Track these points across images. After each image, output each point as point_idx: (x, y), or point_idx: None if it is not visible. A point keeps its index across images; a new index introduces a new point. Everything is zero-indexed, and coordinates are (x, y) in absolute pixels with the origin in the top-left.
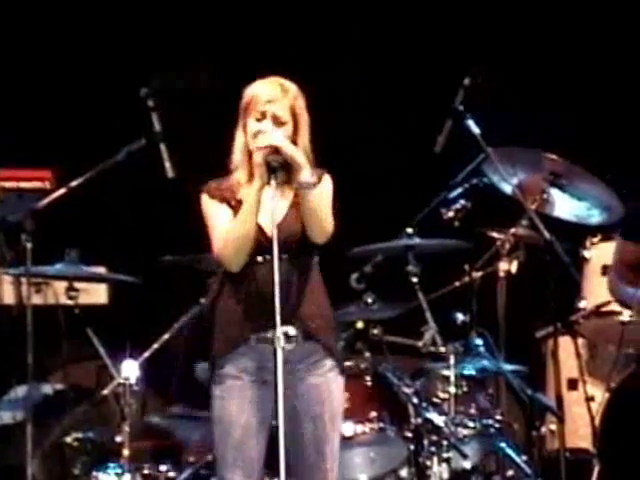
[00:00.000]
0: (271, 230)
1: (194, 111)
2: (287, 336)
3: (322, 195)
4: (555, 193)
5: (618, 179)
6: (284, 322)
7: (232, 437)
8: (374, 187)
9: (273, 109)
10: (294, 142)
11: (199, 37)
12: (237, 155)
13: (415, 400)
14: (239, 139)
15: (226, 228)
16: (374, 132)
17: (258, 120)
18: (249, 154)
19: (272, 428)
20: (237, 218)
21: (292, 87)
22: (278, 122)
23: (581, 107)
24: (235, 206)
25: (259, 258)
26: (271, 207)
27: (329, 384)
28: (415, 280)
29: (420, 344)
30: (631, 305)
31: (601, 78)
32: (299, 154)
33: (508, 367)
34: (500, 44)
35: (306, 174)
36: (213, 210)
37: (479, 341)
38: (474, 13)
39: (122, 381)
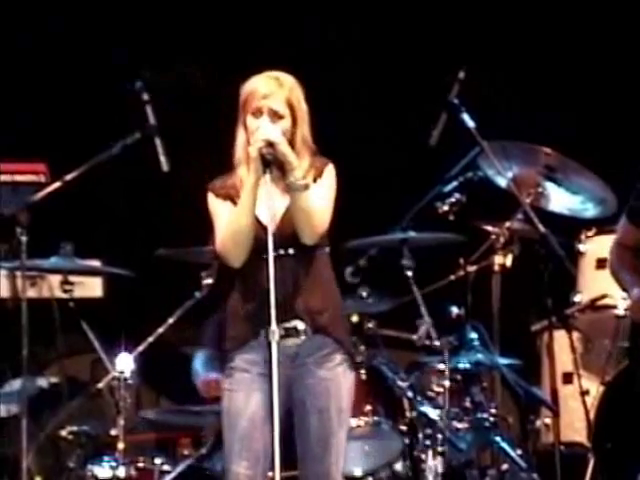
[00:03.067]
0: (271, 226)
1: (189, 106)
2: (296, 330)
3: (318, 194)
4: (550, 187)
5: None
6: (293, 317)
7: (238, 429)
8: (369, 181)
9: (269, 104)
10: (293, 134)
11: (195, 33)
12: (239, 152)
13: (410, 394)
14: (240, 136)
15: (225, 223)
16: (369, 127)
17: (255, 116)
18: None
19: (283, 422)
20: (234, 212)
21: (288, 79)
22: (275, 116)
23: (581, 107)
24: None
25: (263, 255)
26: (267, 201)
27: (338, 378)
28: (410, 274)
29: (415, 338)
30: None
31: (601, 78)
32: (292, 155)
33: (503, 361)
34: (499, 43)
35: (297, 175)
36: (217, 209)
37: (474, 335)
38: (473, 12)
39: (117, 374)
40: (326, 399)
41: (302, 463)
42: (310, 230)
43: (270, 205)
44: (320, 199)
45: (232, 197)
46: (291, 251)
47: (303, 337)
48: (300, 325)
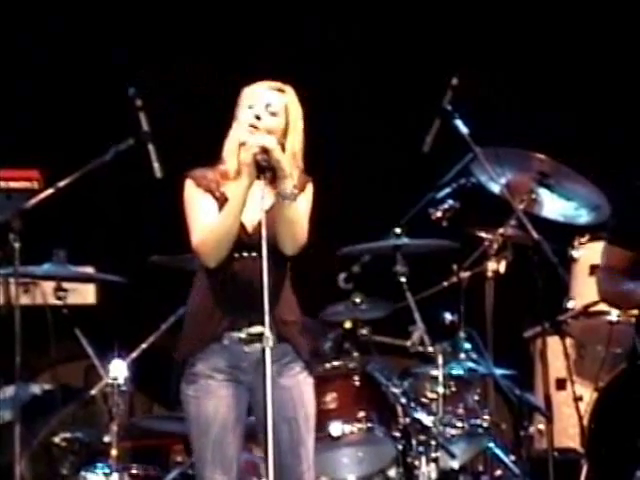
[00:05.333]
0: (252, 227)
1: (185, 109)
2: (260, 337)
3: (300, 208)
4: (543, 193)
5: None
6: (259, 323)
7: (210, 435)
8: (362, 187)
9: (267, 97)
10: (282, 144)
11: (194, 33)
12: (229, 148)
13: (403, 400)
14: (231, 133)
15: (209, 223)
16: (362, 132)
17: (250, 107)
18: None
19: (247, 427)
20: (222, 215)
21: (292, 91)
22: (269, 110)
23: (580, 107)
24: (219, 198)
25: (236, 254)
26: (260, 206)
27: (300, 386)
28: (403, 280)
29: (408, 344)
30: (633, 301)
31: (599, 79)
32: (286, 164)
33: (496, 368)
34: (498, 44)
35: (288, 185)
36: (197, 199)
37: (467, 341)
38: (472, 13)
39: (110, 381)
40: (293, 408)
41: (274, 474)
42: (292, 240)
43: (263, 210)
44: (302, 213)
45: (212, 191)
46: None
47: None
48: (266, 332)
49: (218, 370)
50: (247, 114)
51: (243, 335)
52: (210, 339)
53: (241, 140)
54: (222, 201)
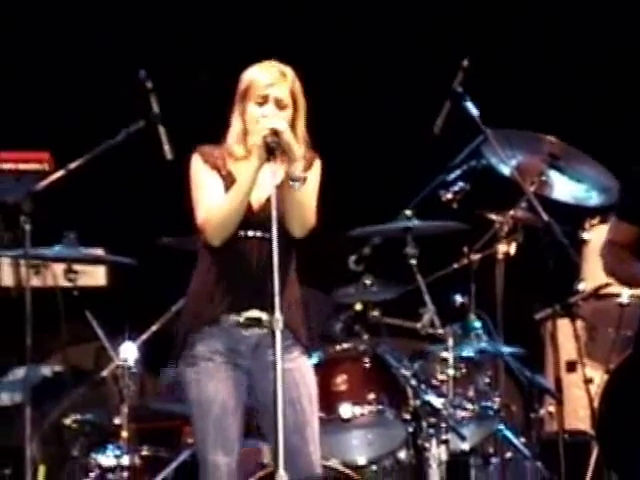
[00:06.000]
0: (258, 205)
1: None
2: (259, 321)
3: (308, 188)
4: (554, 175)
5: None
6: (258, 307)
7: (211, 417)
8: (373, 169)
9: (275, 92)
10: (292, 126)
11: (202, 18)
12: (234, 133)
13: (414, 382)
14: (236, 124)
15: (215, 201)
16: (373, 114)
17: (260, 104)
18: (245, 139)
19: (246, 413)
20: (230, 195)
21: (289, 71)
22: (280, 105)
23: (591, 87)
24: (225, 176)
25: (241, 233)
26: (271, 187)
27: (301, 368)
28: (413, 262)
29: (419, 326)
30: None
31: (613, 59)
32: (296, 146)
33: (507, 349)
34: (506, 30)
35: (298, 167)
36: (203, 176)
37: (478, 323)
38: None
39: (121, 363)
40: (296, 389)
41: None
42: (302, 223)
43: (273, 190)
44: (311, 193)
45: (219, 168)
46: (267, 236)
47: (265, 329)
48: (264, 316)
49: (217, 352)
50: (257, 113)
51: (241, 319)
52: (209, 319)
53: (254, 140)
54: (228, 180)
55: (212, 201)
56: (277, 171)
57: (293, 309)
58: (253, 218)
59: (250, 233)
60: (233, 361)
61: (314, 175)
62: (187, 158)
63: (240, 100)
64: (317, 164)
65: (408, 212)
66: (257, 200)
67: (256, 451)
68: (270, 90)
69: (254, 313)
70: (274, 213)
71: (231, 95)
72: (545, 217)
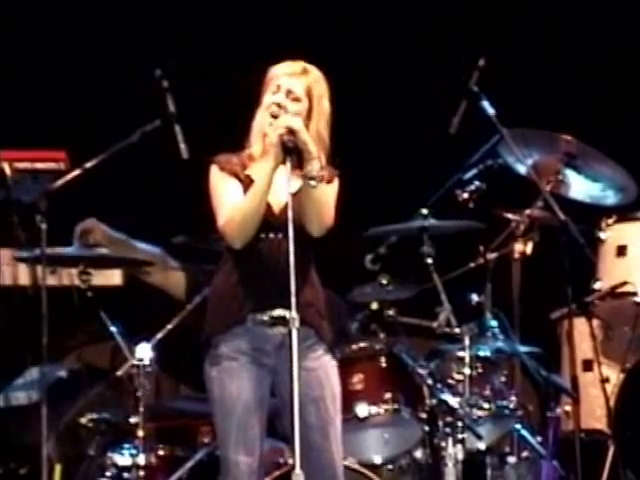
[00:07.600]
0: (279, 208)
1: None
2: (284, 319)
3: (327, 191)
4: (570, 174)
5: None
6: (282, 306)
7: (234, 416)
8: (389, 168)
9: (288, 83)
10: (306, 126)
11: (219, 16)
12: (255, 131)
13: (430, 381)
14: (258, 116)
15: (234, 204)
16: (389, 114)
17: (274, 93)
18: (264, 137)
19: (269, 411)
20: (248, 196)
21: (315, 71)
22: (291, 97)
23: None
24: (244, 180)
25: (262, 235)
26: (287, 187)
27: (325, 367)
28: (430, 261)
29: (435, 325)
30: None
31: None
32: (312, 145)
33: (523, 348)
34: (521, 28)
35: (315, 166)
36: (222, 183)
37: (494, 322)
38: None
39: (136, 362)
40: (319, 388)
41: (303, 455)
42: (319, 222)
43: (289, 191)
44: (329, 193)
45: (237, 174)
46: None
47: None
48: (288, 315)
49: (241, 352)
50: (269, 101)
51: (266, 318)
52: (233, 321)
53: (265, 128)
54: (247, 183)
55: (232, 204)
56: (294, 177)
57: (315, 308)
58: (274, 220)
59: (271, 235)
60: (258, 360)
61: (332, 189)
62: (203, 159)
63: (263, 94)
64: (336, 182)
65: (424, 211)
66: (277, 203)
67: (278, 450)
68: (284, 79)
69: (279, 312)
70: (290, 214)
71: (245, 96)
72: (561, 216)
